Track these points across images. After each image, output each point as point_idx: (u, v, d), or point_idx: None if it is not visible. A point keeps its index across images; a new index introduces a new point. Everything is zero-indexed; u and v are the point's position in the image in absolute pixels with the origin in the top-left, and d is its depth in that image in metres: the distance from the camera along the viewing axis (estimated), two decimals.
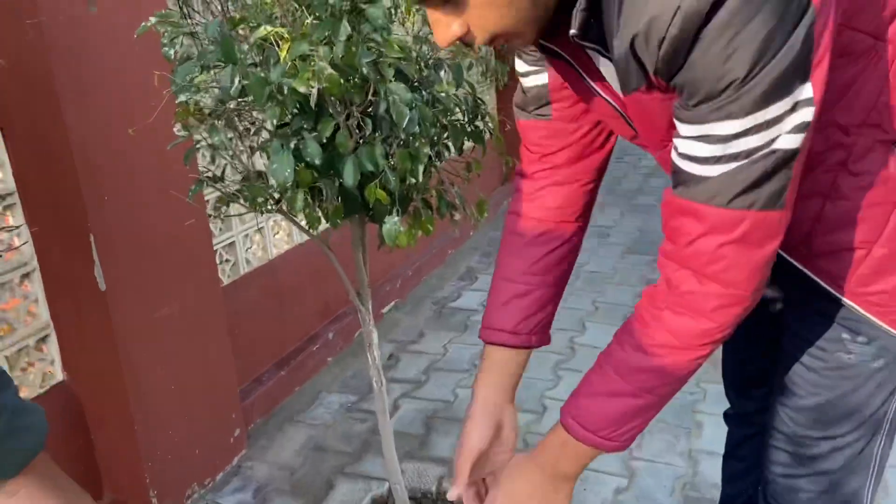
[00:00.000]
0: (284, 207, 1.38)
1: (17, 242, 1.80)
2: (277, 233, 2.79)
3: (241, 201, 1.38)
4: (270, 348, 2.66)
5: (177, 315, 2.02)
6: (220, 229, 2.45)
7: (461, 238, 4.09)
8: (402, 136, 1.29)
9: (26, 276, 1.83)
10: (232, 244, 2.52)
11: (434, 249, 3.76)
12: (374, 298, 3.20)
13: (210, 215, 2.07)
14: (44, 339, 1.88)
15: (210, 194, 2.18)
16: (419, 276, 3.61)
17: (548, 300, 1.14)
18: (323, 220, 1.41)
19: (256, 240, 2.66)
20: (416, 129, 1.28)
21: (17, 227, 1.77)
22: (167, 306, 1.99)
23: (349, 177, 1.29)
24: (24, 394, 1.83)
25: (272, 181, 1.28)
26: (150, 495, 1.95)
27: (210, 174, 1.42)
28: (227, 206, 1.40)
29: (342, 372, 2.81)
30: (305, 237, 2.89)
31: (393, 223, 1.30)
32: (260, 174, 1.42)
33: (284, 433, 2.42)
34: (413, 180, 1.34)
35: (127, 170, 1.83)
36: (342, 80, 1.17)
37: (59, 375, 1.91)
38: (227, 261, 2.50)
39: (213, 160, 1.55)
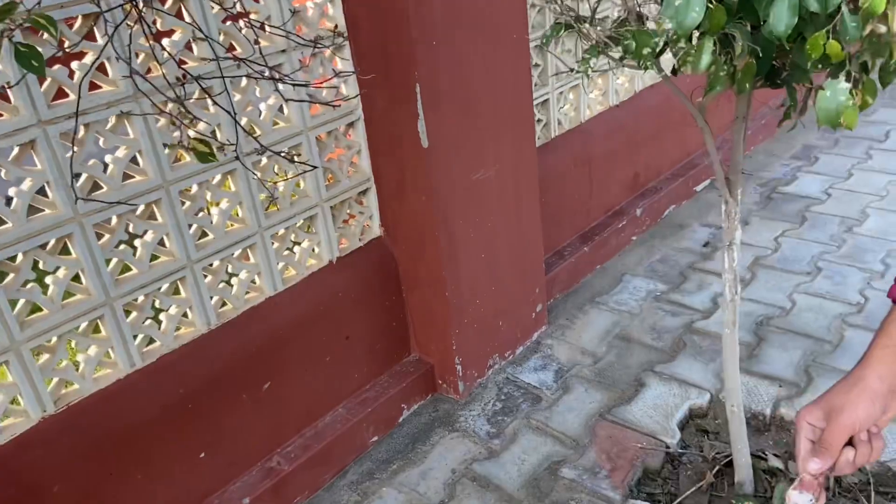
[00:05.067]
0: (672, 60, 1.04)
1: (344, 90, 1.71)
2: (592, 91, 2.46)
3: (617, 51, 1.06)
4: (575, 220, 2.43)
5: (493, 178, 1.84)
6: (536, 84, 2.19)
7: None
8: None
9: (351, 125, 1.75)
10: (545, 102, 2.26)
11: (762, 119, 3.15)
12: (689, 172, 2.79)
13: (571, 70, 1.80)
14: (364, 193, 1.83)
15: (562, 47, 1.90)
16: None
17: None
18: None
19: (570, 99, 2.36)
20: None
21: (347, 74, 1.66)
22: (485, 168, 1.81)
23: (780, 21, 0.90)
24: (345, 246, 1.81)
25: (662, 25, 0.95)
26: (456, 362, 1.89)
27: (572, 15, 1.12)
28: (597, 56, 1.09)
29: (648, 255, 2.50)
30: (620, 98, 2.52)
31: (840, 91, 0.89)
32: (640, 16, 1.08)
33: (586, 315, 2.23)
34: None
35: (457, 11, 1.61)
36: None
37: (377, 231, 1.87)
38: (538, 120, 2.25)
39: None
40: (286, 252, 1.69)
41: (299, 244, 1.73)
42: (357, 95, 1.68)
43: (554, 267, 2.27)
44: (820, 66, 0.93)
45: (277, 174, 1.61)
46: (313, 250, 1.75)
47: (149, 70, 1.31)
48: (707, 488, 1.62)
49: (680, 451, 1.72)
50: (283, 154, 1.35)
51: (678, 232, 2.61)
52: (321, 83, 1.62)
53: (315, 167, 1.50)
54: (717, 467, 1.65)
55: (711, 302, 2.21)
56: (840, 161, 2.94)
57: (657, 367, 1.97)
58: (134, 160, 1.38)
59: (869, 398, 0.85)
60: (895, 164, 2.85)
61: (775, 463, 1.64)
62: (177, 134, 1.40)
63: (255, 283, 1.65)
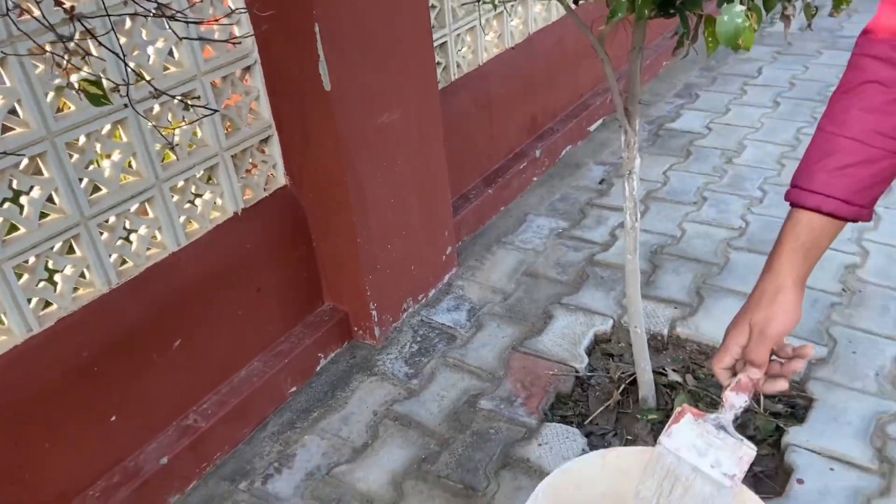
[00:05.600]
0: None
1: (236, 31, 1.63)
2: (488, 34, 2.47)
3: None
4: (478, 163, 2.46)
5: (398, 122, 1.83)
6: (434, 26, 2.18)
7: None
8: None
9: (247, 69, 1.68)
10: (444, 45, 2.25)
11: (647, 60, 3.28)
12: (582, 113, 2.88)
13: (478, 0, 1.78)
14: (266, 141, 1.77)
15: None
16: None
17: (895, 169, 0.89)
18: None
19: (468, 41, 2.37)
20: None
21: (241, 12, 1.59)
22: (389, 111, 1.79)
23: None
24: (248, 196, 1.76)
25: None
26: (370, 307, 1.90)
27: None
28: None
29: (549, 194, 2.58)
30: (514, 40, 2.55)
31: (736, 14, 0.95)
32: None
33: (494, 255, 2.28)
34: None
35: None
36: None
37: (282, 180, 1.82)
38: (438, 63, 2.24)
39: None
40: (187, 205, 1.62)
41: (201, 196, 1.66)
42: (251, 35, 1.61)
43: (461, 210, 2.31)
44: None
45: (172, 123, 1.53)
46: (216, 202, 1.69)
47: (21, 13, 1.20)
48: (614, 406, 1.73)
49: (588, 374, 1.82)
50: (178, 99, 1.28)
51: (575, 171, 2.70)
52: (213, 22, 1.54)
53: (215, 110, 1.44)
54: (622, 386, 1.76)
55: (609, 235, 2.32)
56: (718, 97, 3.12)
57: (563, 300, 2.06)
58: (13, 112, 1.27)
59: (792, 306, 0.90)
60: (767, 98, 3.06)
61: (675, 377, 1.77)
62: (58, 81, 1.30)
63: (156, 238, 1.58)
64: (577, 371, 1.82)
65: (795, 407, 1.67)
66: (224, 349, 1.70)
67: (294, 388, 1.83)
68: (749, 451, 0.91)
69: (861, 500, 1.43)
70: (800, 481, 1.48)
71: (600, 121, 2.99)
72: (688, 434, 0.92)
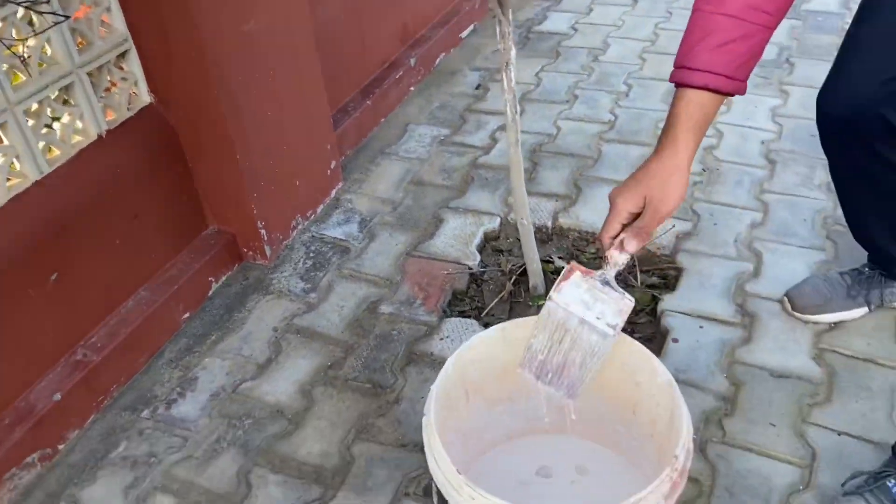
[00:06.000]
0: None
1: None
2: None
3: None
4: (353, 75, 2.41)
5: (266, 30, 1.75)
6: None
7: None
8: None
9: None
10: None
11: None
12: (453, 19, 2.87)
13: None
14: (123, 56, 1.65)
15: None
16: None
17: (765, 43, 0.99)
18: None
19: None
20: None
21: None
22: (255, 18, 1.71)
23: None
24: (112, 118, 1.64)
25: None
26: (259, 226, 1.86)
27: None
28: None
29: (427, 103, 2.58)
30: None
31: None
32: None
33: (378, 166, 2.28)
34: None
35: None
36: None
37: (146, 97, 1.71)
38: None
39: None
40: (45, 130, 1.50)
41: (59, 119, 1.54)
42: None
43: (341, 123, 2.27)
44: None
45: (16, 39, 1.39)
46: (77, 125, 1.57)
47: None
48: (508, 297, 1.82)
49: (481, 270, 1.89)
50: (25, 5, 1.16)
51: (451, 78, 2.71)
52: None
53: (66, 17, 1.32)
54: (513, 277, 1.85)
55: (490, 139, 2.37)
56: None
57: (451, 203, 2.10)
58: None
59: (684, 187, 0.97)
60: None
61: (561, 264, 1.88)
62: None
63: (14, 167, 1.45)
64: (470, 268, 1.88)
65: (667, 278, 1.83)
66: (106, 280, 1.62)
67: (187, 315, 1.78)
68: (628, 302, 1.00)
69: (727, 349, 1.61)
70: (675, 340, 1.64)
71: (472, 27, 3.00)
72: (576, 290, 1.00)
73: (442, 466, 0.93)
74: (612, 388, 1.15)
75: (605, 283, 1.01)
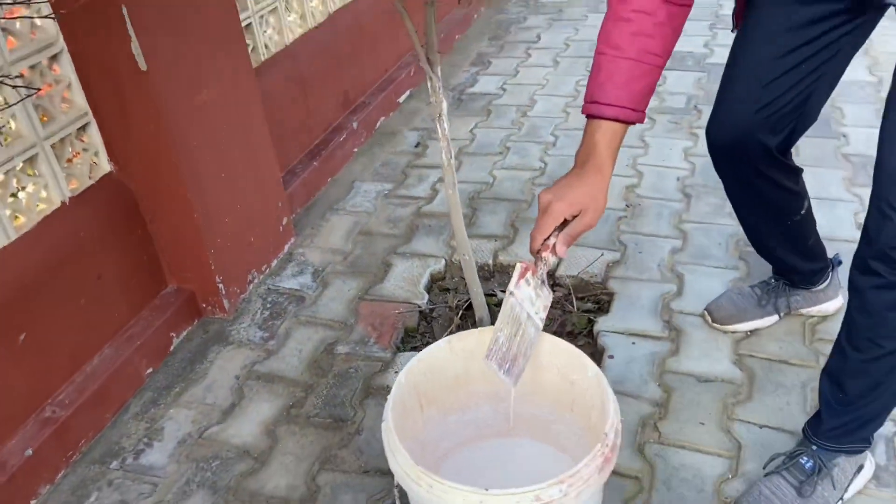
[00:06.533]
0: None
1: (39, 21, 1.62)
2: (290, 15, 2.58)
3: None
4: (300, 139, 2.57)
5: (217, 100, 1.90)
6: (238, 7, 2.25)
7: (465, 22, 3.86)
8: None
9: (54, 58, 1.68)
10: (249, 26, 2.33)
11: (441, 34, 3.55)
12: (390, 86, 3.08)
13: None
14: (84, 129, 1.77)
15: None
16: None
17: (657, 80, 1.18)
18: None
19: (272, 22, 2.46)
20: None
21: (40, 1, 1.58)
22: (207, 89, 1.86)
23: None
24: (74, 186, 1.75)
25: None
26: (217, 280, 1.96)
27: None
28: None
29: (371, 162, 2.75)
30: (317, 20, 2.69)
31: None
32: None
33: (328, 221, 2.42)
34: None
35: None
36: None
37: (107, 166, 1.83)
38: (247, 45, 2.32)
39: None
40: (11, 199, 1.60)
41: (24, 189, 1.64)
42: (54, 16, 1.60)
43: (291, 183, 2.41)
44: None
45: None
46: (41, 194, 1.67)
47: None
48: (455, 330, 1.95)
49: (430, 308, 2.03)
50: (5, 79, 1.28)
51: (392, 139, 2.90)
52: (12, 16, 1.53)
53: (38, 89, 1.44)
54: (460, 312, 1.98)
55: (431, 190, 2.54)
56: (507, 62, 3.47)
57: (399, 249, 2.24)
58: None
59: (605, 202, 1.13)
60: (548, 59, 3.45)
61: (502, 297, 2.03)
62: None
63: None
64: (419, 307, 2.01)
65: (601, 302, 1.99)
66: (72, 339, 1.70)
67: (150, 370, 1.86)
68: (551, 298, 1.16)
69: (657, 361, 1.76)
70: (611, 357, 1.79)
71: (407, 92, 3.21)
72: (526, 287, 1.15)
73: (400, 461, 1.04)
74: (552, 390, 1.28)
75: (542, 282, 1.16)
